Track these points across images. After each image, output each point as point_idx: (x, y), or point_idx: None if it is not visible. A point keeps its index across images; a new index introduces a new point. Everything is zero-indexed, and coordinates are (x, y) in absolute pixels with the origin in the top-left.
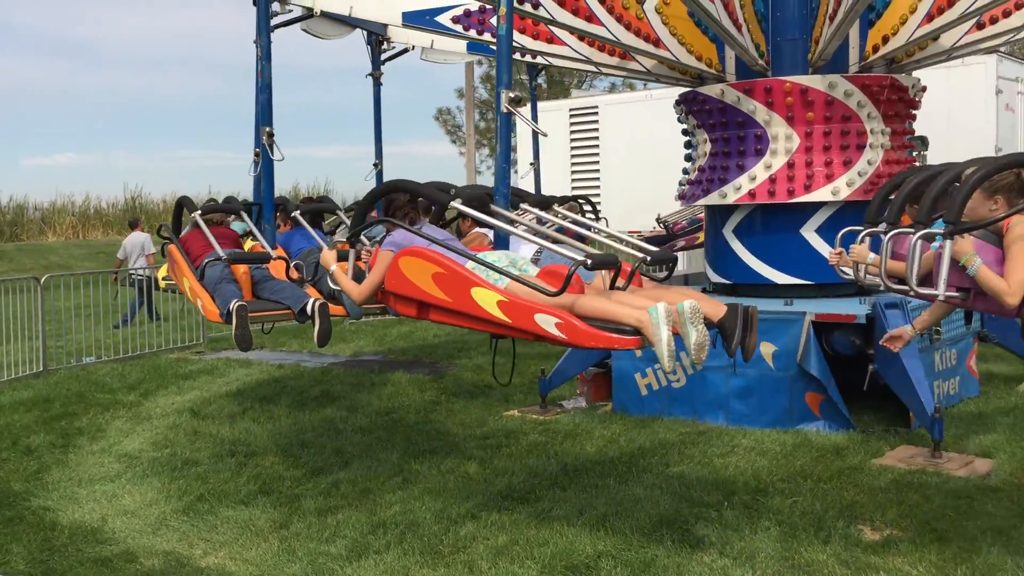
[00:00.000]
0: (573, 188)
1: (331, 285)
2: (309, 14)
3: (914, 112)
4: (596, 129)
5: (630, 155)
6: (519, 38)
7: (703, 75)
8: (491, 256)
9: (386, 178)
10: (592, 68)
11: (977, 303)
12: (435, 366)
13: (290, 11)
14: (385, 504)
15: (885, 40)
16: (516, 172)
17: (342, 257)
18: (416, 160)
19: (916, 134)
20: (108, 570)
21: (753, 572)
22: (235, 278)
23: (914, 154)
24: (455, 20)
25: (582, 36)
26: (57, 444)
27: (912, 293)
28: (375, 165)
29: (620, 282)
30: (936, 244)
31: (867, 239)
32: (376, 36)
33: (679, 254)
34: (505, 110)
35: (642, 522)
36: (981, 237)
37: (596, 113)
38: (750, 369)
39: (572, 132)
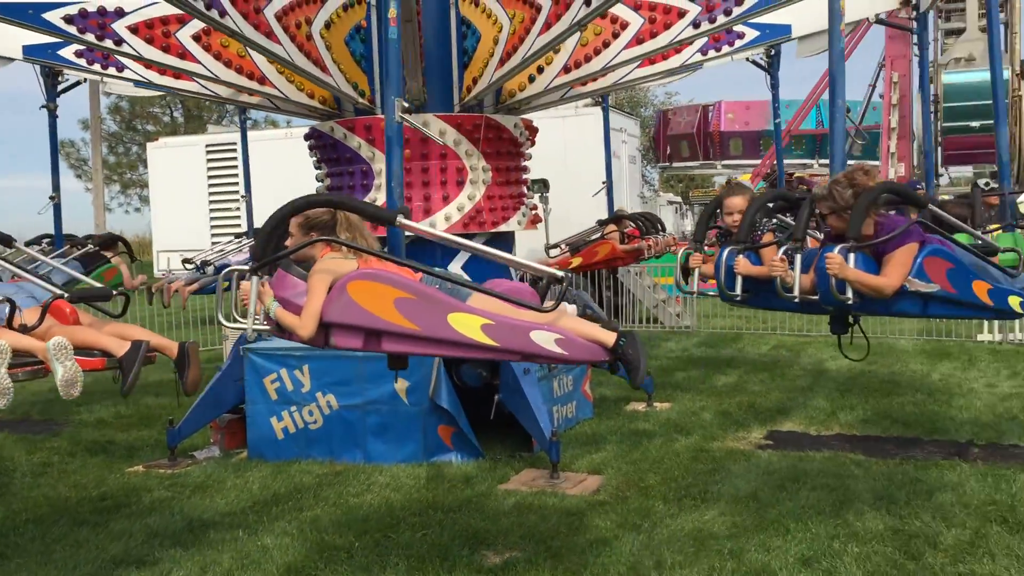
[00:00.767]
0: (212, 225)
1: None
2: None
3: (521, 151)
4: (235, 165)
5: (271, 191)
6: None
7: (356, 107)
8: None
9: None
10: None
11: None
12: (49, 424)
13: None
14: None
15: (476, 82)
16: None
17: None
18: (33, 194)
19: (538, 177)
20: None
21: None
22: None
23: (537, 194)
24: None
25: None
26: None
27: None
28: (52, 198)
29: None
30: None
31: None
32: (49, 67)
33: None
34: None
35: (270, 573)
36: None
37: (235, 149)
38: (385, 406)
39: (210, 168)
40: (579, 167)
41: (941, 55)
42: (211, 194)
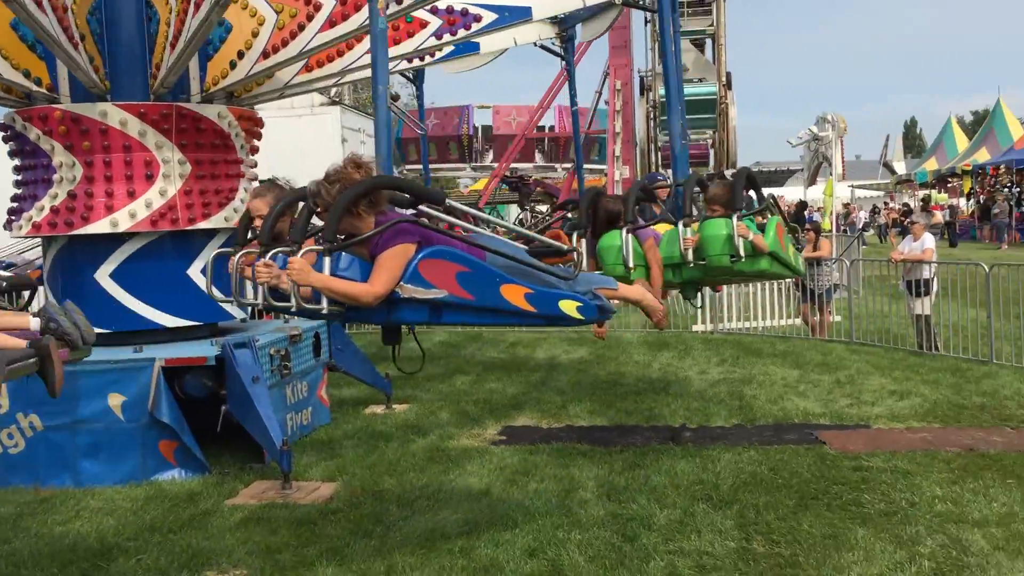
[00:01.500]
0: None
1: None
2: None
3: (231, 143)
4: None
5: None
6: None
7: (32, 95)
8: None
9: None
10: None
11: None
12: None
13: None
14: None
15: (225, 74)
16: None
17: None
18: None
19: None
20: None
21: None
22: None
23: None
24: None
25: None
26: None
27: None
28: None
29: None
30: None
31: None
32: None
33: None
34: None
35: None
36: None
37: None
38: (98, 423)
39: None
40: (317, 166)
41: (657, 66)
42: None
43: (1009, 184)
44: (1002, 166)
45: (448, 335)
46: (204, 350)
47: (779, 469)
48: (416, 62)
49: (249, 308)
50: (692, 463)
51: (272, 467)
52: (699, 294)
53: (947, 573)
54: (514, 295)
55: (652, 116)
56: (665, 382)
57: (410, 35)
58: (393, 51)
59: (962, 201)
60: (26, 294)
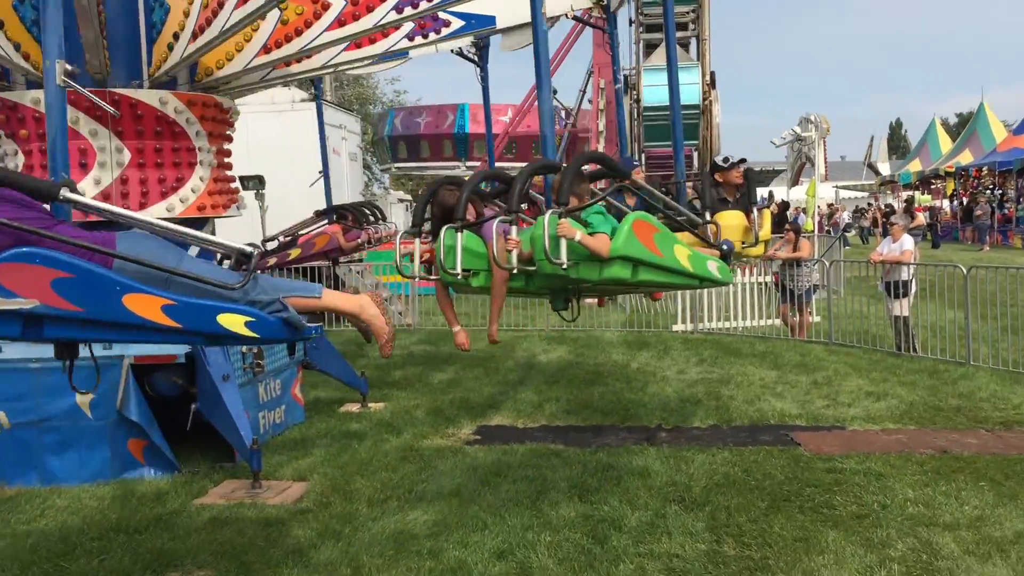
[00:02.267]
0: None
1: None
2: None
3: (177, 131)
4: None
5: None
6: None
7: (29, 77)
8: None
9: None
10: None
11: None
12: None
13: None
14: None
15: (164, 57)
16: None
17: None
18: None
19: (253, 174)
20: None
21: None
22: None
23: (253, 191)
24: None
25: None
26: None
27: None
28: None
29: None
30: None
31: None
32: None
33: None
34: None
35: None
36: None
37: None
38: (65, 421)
39: None
40: (296, 161)
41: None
42: None
43: (991, 186)
44: (984, 168)
45: (427, 334)
46: (174, 347)
47: (752, 471)
48: (420, 39)
49: None
50: (666, 464)
51: (243, 466)
52: (572, 304)
53: None
54: (145, 307)
55: (636, 114)
56: (643, 382)
57: (370, 9)
58: (353, 27)
59: (945, 203)
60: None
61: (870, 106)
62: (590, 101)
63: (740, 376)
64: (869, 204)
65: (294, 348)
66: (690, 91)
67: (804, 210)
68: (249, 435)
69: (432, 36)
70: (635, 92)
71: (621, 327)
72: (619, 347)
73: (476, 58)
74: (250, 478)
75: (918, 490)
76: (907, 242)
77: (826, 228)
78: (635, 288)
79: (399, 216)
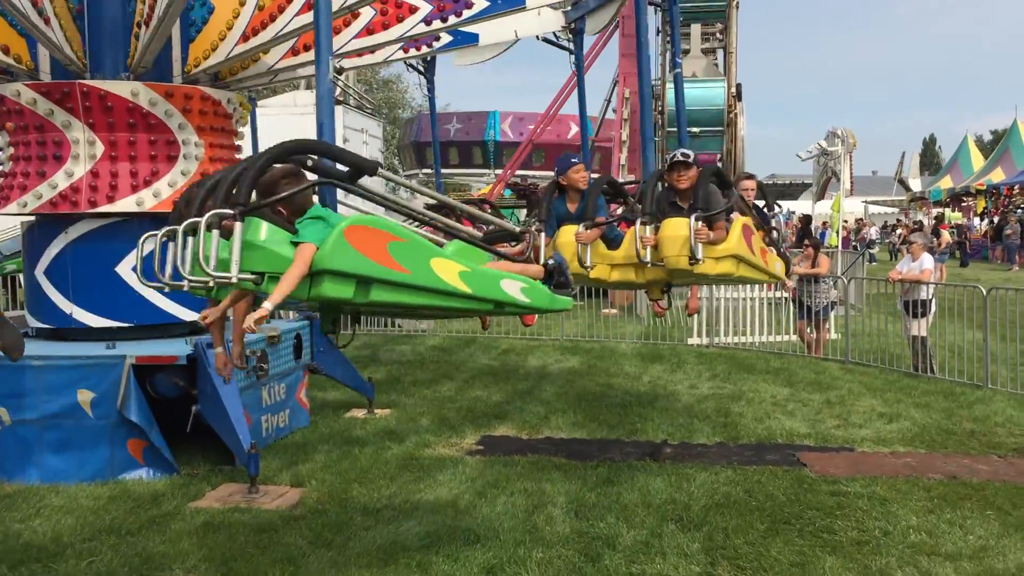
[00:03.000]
0: None
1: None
2: None
3: (154, 123)
4: None
5: None
6: None
7: (11, 71)
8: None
9: None
10: None
11: None
12: None
13: None
14: None
15: (207, 55)
16: None
17: None
18: None
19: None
20: None
21: None
22: None
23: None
24: None
25: None
26: None
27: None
28: None
29: None
30: None
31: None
32: None
33: None
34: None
35: None
36: None
37: None
38: (66, 420)
39: None
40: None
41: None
42: None
43: (1023, 205)
44: (1016, 187)
45: (441, 339)
46: (176, 349)
47: (754, 491)
48: (414, 51)
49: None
50: (667, 481)
51: (242, 470)
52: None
53: None
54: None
55: (660, 124)
56: (653, 396)
57: (400, 20)
58: (382, 36)
59: (976, 220)
60: None
61: (905, 122)
62: (614, 110)
63: (752, 392)
64: (899, 220)
65: (300, 352)
66: (714, 99)
67: (829, 224)
68: (247, 439)
69: (424, 49)
70: (659, 103)
71: (636, 339)
72: (633, 359)
73: (423, 70)
74: (248, 482)
75: (922, 517)
76: (927, 261)
77: (853, 243)
78: (415, 311)
79: None
